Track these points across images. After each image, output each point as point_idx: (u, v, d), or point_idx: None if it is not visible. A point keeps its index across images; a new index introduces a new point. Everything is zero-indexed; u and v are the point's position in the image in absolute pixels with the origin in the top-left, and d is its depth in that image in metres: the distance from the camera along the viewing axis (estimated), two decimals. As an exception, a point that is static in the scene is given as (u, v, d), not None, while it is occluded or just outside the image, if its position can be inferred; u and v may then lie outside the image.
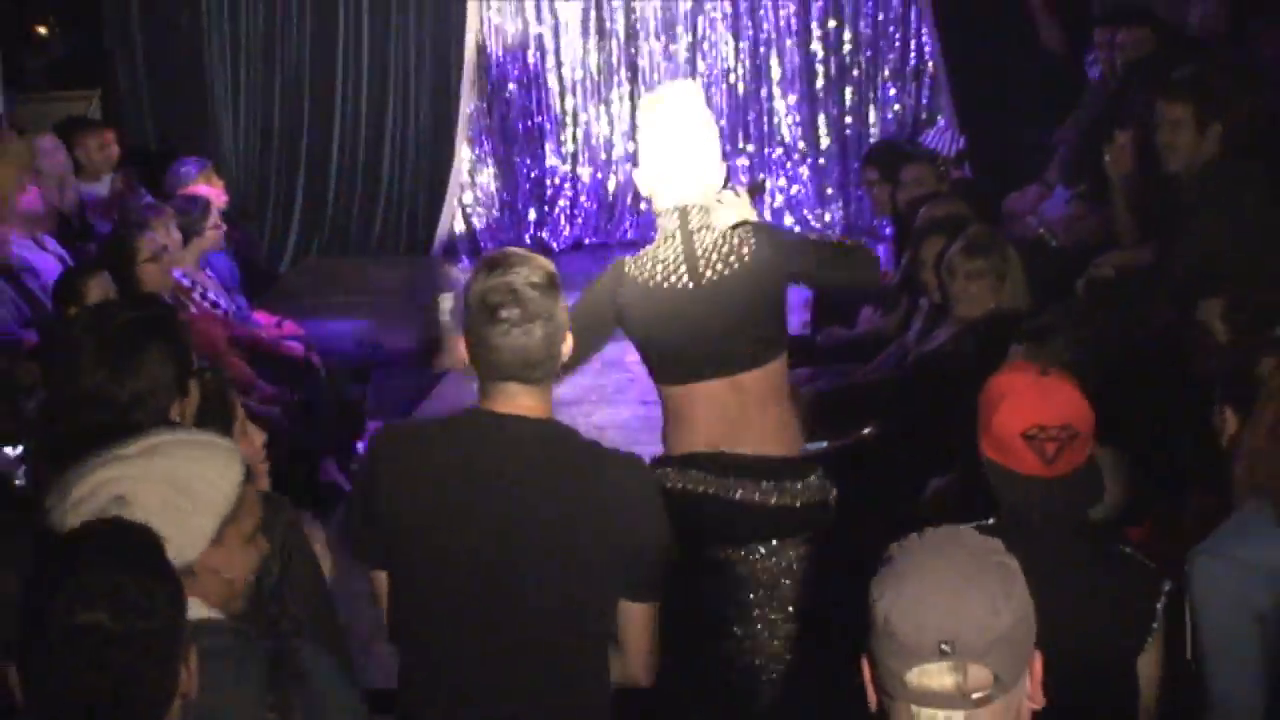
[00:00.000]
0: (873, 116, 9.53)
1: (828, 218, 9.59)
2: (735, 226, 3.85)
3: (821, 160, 9.58)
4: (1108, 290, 5.67)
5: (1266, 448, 2.89)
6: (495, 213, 9.80)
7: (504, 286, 2.84)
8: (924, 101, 9.40)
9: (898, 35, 9.41)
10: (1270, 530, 2.85)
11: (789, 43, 9.44)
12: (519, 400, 2.90)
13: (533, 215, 9.79)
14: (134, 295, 5.75)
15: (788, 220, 9.55)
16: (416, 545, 2.91)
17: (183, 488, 2.39)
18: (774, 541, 3.91)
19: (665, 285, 3.84)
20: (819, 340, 6.85)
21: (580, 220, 9.77)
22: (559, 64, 9.65)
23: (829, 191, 9.62)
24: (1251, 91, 5.63)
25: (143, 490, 2.36)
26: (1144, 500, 3.82)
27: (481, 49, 9.47)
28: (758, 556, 3.91)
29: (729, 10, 9.47)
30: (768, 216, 9.14)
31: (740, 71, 9.52)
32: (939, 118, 9.23)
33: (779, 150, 9.61)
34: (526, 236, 9.65)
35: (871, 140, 9.19)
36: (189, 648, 2.18)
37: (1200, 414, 3.29)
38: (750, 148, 9.60)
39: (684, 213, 3.86)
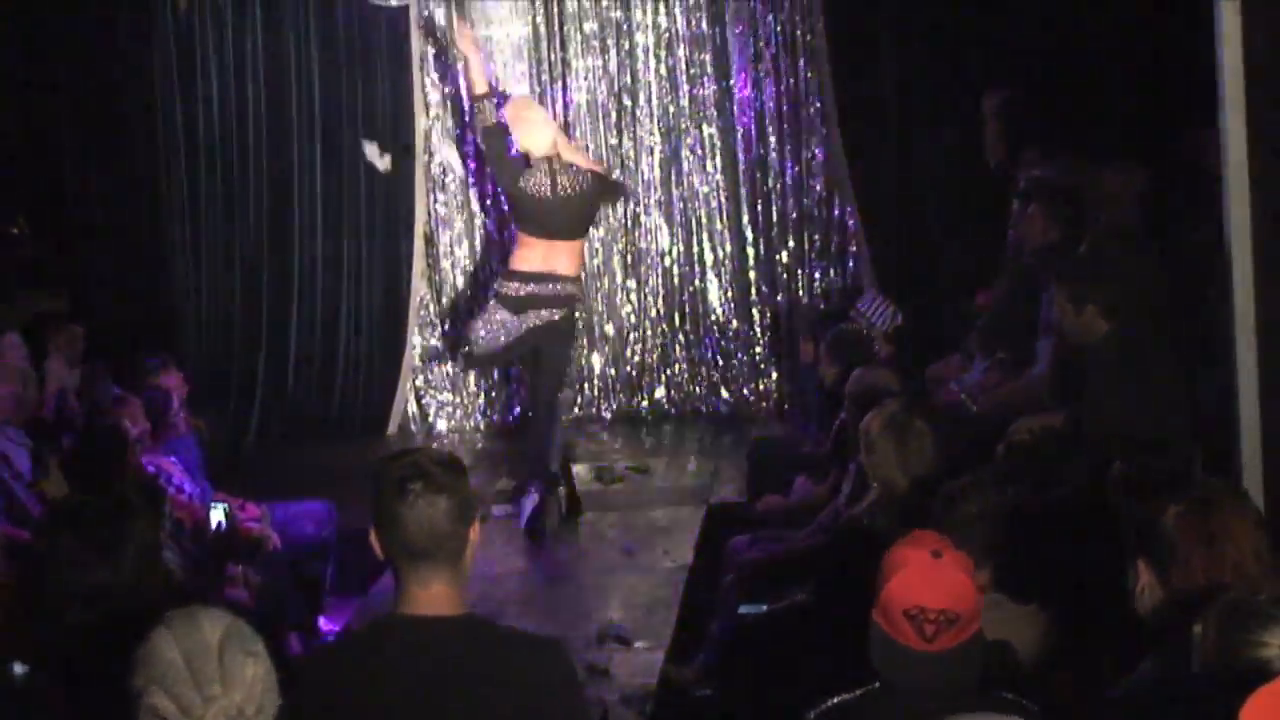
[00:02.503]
0: (801, 293, 9.62)
1: (761, 388, 9.71)
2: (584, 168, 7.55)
3: (754, 334, 9.69)
4: (1025, 453, 5.77)
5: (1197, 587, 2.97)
6: (447, 394, 9.87)
7: (409, 463, 2.92)
8: (849, 281, 9.50)
9: (821, 216, 9.56)
10: (1177, 676, 2.90)
11: (720, 226, 9.62)
12: (433, 590, 2.92)
13: (481, 398, 9.87)
14: (118, 480, 5.85)
15: (724, 392, 9.70)
16: None
17: None
18: (563, 310, 7.54)
19: (537, 192, 7.43)
20: (757, 509, 6.97)
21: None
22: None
23: (762, 366, 9.73)
24: (1130, 271, 5.84)
25: None
26: (1062, 652, 3.91)
27: (429, 239, 9.66)
28: (557, 318, 7.54)
29: (663, 198, 9.63)
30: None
31: (675, 255, 9.69)
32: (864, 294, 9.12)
33: (715, 330, 9.72)
34: (477, 415, 9.79)
35: (801, 315, 9.34)
36: None
37: (1113, 569, 3.40)
38: (687, 326, 9.74)
39: (549, 159, 7.43)
